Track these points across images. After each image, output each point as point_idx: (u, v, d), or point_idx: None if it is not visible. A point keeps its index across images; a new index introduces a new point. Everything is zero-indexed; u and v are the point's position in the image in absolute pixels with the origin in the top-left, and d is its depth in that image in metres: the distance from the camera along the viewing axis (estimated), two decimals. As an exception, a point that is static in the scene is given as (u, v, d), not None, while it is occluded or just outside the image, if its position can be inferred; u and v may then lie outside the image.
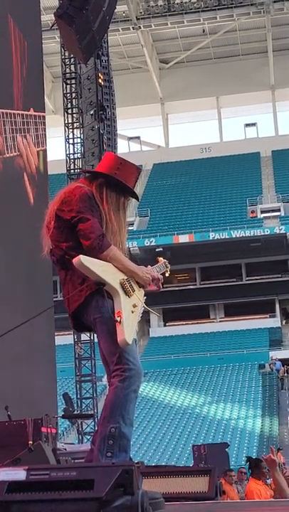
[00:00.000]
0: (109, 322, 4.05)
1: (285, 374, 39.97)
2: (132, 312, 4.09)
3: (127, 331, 3.98)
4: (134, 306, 4.11)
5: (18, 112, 17.17)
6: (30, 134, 18.09)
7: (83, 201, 4.16)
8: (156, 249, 41.66)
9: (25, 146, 17.43)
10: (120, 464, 2.41)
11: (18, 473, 2.31)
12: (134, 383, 3.97)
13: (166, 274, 4.58)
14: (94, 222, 4.09)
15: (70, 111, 25.06)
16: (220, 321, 48.04)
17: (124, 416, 3.86)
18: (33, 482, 2.30)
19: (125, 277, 4.13)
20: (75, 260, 3.99)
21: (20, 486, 2.30)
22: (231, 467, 17.04)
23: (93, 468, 2.36)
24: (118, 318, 3.99)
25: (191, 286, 48.10)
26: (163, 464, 23.88)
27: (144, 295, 4.30)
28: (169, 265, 4.64)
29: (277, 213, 47.82)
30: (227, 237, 44.15)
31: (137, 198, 4.55)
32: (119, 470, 2.31)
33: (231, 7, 45.88)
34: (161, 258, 4.65)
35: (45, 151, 19.33)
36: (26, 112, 17.74)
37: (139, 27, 47.41)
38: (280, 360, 41.45)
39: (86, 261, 3.99)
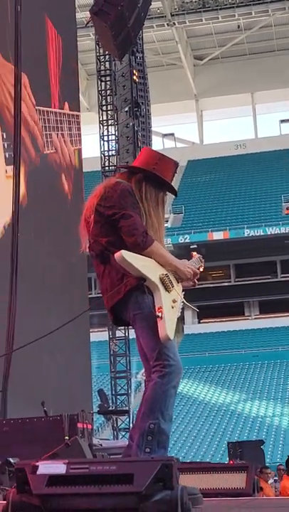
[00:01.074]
0: (150, 318, 4.03)
1: None
2: (172, 307, 4.05)
3: (169, 326, 3.96)
4: (174, 301, 4.07)
5: (54, 110, 17.28)
6: (66, 132, 18.18)
7: (124, 197, 4.13)
8: (191, 246, 41.55)
9: (61, 144, 17.53)
10: (160, 458, 2.41)
11: (58, 467, 2.32)
12: (174, 379, 3.95)
13: (201, 269, 4.52)
14: (136, 218, 4.07)
15: (104, 108, 25.09)
16: (255, 318, 47.86)
17: (164, 412, 3.85)
18: (73, 476, 2.31)
19: (164, 272, 4.09)
20: (116, 255, 3.96)
21: (60, 480, 2.31)
22: (266, 465, 17.00)
23: (133, 462, 2.37)
24: (159, 314, 3.96)
25: (226, 284, 47.97)
26: (198, 460, 23.88)
27: (182, 290, 4.27)
28: (203, 260, 4.61)
29: (313, 210, 47.52)
30: (262, 233, 43.95)
31: (175, 193, 4.52)
32: (159, 464, 2.31)
33: (266, 2, 45.61)
34: (195, 253, 4.61)
35: (80, 150, 19.41)
36: (62, 111, 17.84)
37: (174, 23, 47.33)
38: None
39: (128, 256, 3.97)
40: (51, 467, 2.33)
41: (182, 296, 4.21)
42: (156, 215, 4.26)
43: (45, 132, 16.88)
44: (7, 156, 14.54)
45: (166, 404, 3.86)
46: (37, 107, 16.06)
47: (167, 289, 4.06)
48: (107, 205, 4.11)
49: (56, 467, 2.32)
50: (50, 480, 2.30)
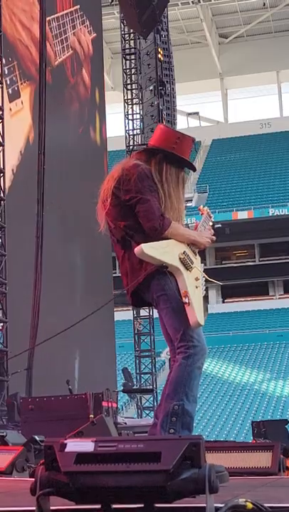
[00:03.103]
0: (173, 299, 4.01)
1: None
2: (196, 287, 4.05)
3: (198, 311, 3.97)
4: (197, 279, 4.07)
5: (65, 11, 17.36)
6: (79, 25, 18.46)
7: (142, 180, 4.09)
8: (216, 226, 41.40)
9: (79, 38, 17.71)
10: (187, 437, 2.41)
11: (87, 445, 2.33)
12: (199, 360, 3.97)
13: (212, 223, 4.56)
14: (153, 202, 4.05)
15: (129, 87, 24.99)
16: (279, 298, 47.76)
17: (188, 393, 3.85)
18: (101, 454, 2.32)
19: (183, 250, 4.09)
20: (136, 250, 3.98)
21: (89, 457, 2.32)
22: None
23: (161, 441, 2.37)
24: (186, 300, 3.97)
25: (250, 263, 47.87)
26: (222, 439, 23.93)
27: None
28: (212, 215, 4.61)
29: None
30: (287, 213, 43.74)
31: (194, 169, 4.55)
32: (187, 443, 2.32)
33: (292, -21, 45.22)
34: (201, 207, 4.59)
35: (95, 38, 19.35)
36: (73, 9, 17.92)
37: (199, 1, 47.03)
38: None
39: (148, 249, 3.99)
40: (79, 445, 2.34)
41: (202, 270, 4.22)
42: (177, 194, 4.23)
43: (60, 38, 17.01)
44: (10, 92, 14.44)
45: (190, 386, 3.88)
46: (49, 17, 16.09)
47: (188, 268, 4.05)
48: (124, 189, 4.08)
49: (84, 445, 2.33)
50: (78, 457, 2.31)
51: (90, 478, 2.28)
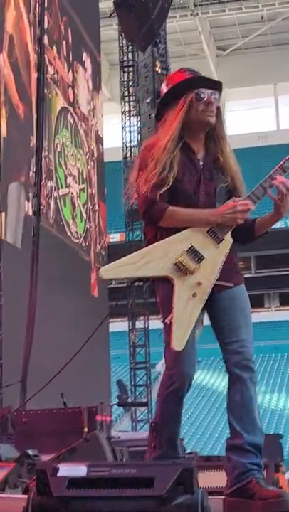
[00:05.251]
0: (163, 309, 3.51)
1: None
2: (194, 296, 3.39)
3: (178, 331, 3.37)
4: (199, 284, 3.38)
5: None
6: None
7: (140, 168, 3.63)
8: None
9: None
10: (180, 462, 2.41)
11: (79, 470, 2.32)
12: (171, 386, 3.58)
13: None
14: (142, 193, 3.50)
15: (126, 99, 25.07)
16: (275, 310, 47.74)
17: (159, 412, 3.64)
18: (94, 478, 2.31)
19: (187, 247, 3.40)
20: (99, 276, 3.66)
21: (81, 482, 2.31)
22: (284, 458, 16.98)
23: (153, 466, 2.37)
24: (166, 320, 3.40)
25: (246, 275, 47.78)
26: (216, 453, 23.87)
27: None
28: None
29: None
30: (283, 226, 43.76)
31: (208, 80, 3.78)
32: (180, 468, 2.31)
33: (290, -7, 45.39)
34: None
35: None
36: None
37: (197, 14, 47.11)
38: None
39: (107, 272, 3.46)
40: (72, 470, 2.33)
41: (219, 267, 3.47)
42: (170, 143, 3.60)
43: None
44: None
45: (161, 410, 3.59)
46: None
47: (188, 272, 3.37)
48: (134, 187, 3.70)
49: (77, 470, 2.33)
50: (70, 482, 2.31)
51: (82, 503, 2.28)
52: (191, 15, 47.01)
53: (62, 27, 17.25)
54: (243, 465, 3.31)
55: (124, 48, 24.93)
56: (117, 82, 25.97)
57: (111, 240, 26.35)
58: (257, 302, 47.53)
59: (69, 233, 17.25)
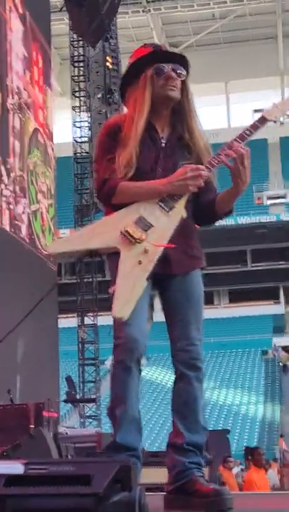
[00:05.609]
0: (111, 285, 3.32)
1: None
2: (139, 263, 3.24)
3: (121, 298, 3.20)
4: (145, 251, 3.24)
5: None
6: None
7: (98, 148, 3.49)
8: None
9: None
10: (118, 459, 2.41)
11: (16, 467, 2.30)
12: (119, 355, 3.34)
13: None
14: (98, 175, 3.40)
15: (77, 94, 24.97)
16: (224, 307, 48.06)
17: (113, 394, 3.36)
18: (31, 476, 2.29)
19: (135, 218, 3.28)
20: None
21: (18, 480, 2.29)
22: (232, 453, 17.10)
23: (91, 463, 2.36)
24: (110, 289, 3.23)
25: (196, 272, 48.03)
26: (163, 449, 23.95)
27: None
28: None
29: (284, 200, 47.75)
30: (233, 223, 44.04)
31: (168, 53, 3.60)
32: (117, 466, 2.30)
33: (242, -9, 45.68)
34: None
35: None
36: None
37: (149, 10, 47.18)
38: (282, 346, 41.56)
39: (55, 246, 3.51)
40: (9, 467, 2.31)
41: (169, 234, 3.32)
42: (140, 117, 3.43)
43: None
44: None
45: (113, 386, 3.35)
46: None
47: (135, 240, 3.24)
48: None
49: (14, 467, 2.30)
50: (7, 480, 2.28)
51: (19, 501, 2.25)
52: (144, 11, 47.05)
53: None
54: (183, 464, 3.28)
55: (75, 42, 24.81)
56: (69, 77, 25.85)
57: (61, 236, 26.21)
58: (206, 299, 47.41)
59: (39, 245, 17.67)
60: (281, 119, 3.45)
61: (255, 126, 3.44)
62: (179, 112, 3.56)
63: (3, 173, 15.84)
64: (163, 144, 3.49)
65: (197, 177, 3.32)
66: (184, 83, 3.52)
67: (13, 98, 16.66)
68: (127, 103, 3.54)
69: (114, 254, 3.27)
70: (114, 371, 3.32)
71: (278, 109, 3.52)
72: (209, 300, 48.10)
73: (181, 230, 3.42)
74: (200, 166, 3.35)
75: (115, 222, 3.30)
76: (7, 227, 15.88)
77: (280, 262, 47.70)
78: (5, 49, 16.51)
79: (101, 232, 3.31)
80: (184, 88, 3.53)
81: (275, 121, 3.55)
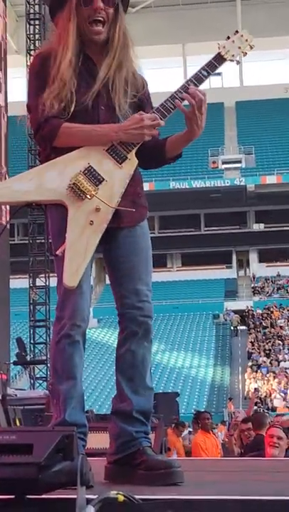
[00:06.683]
0: (53, 245, 3.11)
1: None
2: (91, 223, 2.99)
3: (71, 264, 2.97)
4: (97, 209, 2.98)
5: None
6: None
7: (31, 81, 3.23)
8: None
9: None
10: (60, 429, 2.37)
11: None
12: (61, 330, 3.10)
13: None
14: (36, 113, 3.13)
15: (32, 52, 24.58)
16: (177, 270, 48.26)
17: (56, 370, 3.15)
18: (-29, 445, 2.25)
19: (84, 166, 3.01)
20: None
21: None
22: (181, 415, 17.24)
23: (33, 432, 2.32)
24: (60, 253, 3.00)
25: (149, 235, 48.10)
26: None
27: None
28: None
29: (239, 165, 47.87)
30: (187, 187, 44.13)
31: None
32: (59, 435, 2.27)
33: None
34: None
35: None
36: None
37: None
38: (234, 310, 41.92)
39: None
40: None
41: (122, 190, 3.06)
42: (65, 53, 3.12)
43: None
44: None
45: (55, 362, 3.14)
46: None
47: (85, 194, 2.97)
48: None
49: None
50: None
51: None
52: None
53: None
54: (130, 434, 3.07)
55: (31, 0, 24.42)
56: (24, 35, 25.42)
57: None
58: (159, 262, 47.98)
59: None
60: (238, 57, 3.16)
61: (212, 66, 3.20)
62: (111, 45, 3.27)
63: None
64: (102, 78, 3.16)
65: (154, 126, 3.10)
66: (116, 11, 3.26)
67: None
68: (54, 30, 3.22)
69: (55, 207, 3.03)
70: (60, 346, 3.07)
71: (234, 45, 3.21)
72: (162, 263, 48.29)
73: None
74: (156, 116, 3.12)
75: (60, 169, 2.99)
76: None
77: (233, 227, 47.95)
78: None
79: (44, 182, 2.99)
80: (117, 17, 3.29)
81: (232, 61, 3.23)
